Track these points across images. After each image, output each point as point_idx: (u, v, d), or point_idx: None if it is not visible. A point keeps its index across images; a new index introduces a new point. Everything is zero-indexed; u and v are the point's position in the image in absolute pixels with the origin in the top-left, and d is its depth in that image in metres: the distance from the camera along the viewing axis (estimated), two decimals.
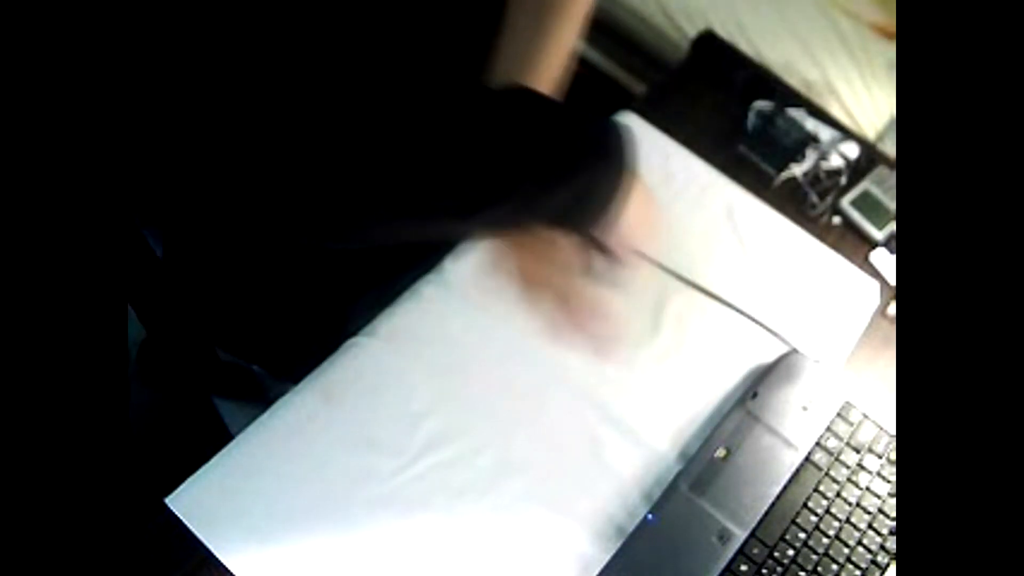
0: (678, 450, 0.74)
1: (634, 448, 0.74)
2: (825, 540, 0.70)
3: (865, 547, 0.70)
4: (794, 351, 0.80)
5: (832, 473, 0.73)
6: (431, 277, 0.80)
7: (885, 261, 0.91)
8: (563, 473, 0.71)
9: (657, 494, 0.71)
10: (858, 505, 0.72)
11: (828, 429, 0.75)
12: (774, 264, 0.88)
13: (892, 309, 0.88)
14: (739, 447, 0.72)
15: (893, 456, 0.75)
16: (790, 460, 0.73)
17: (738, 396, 0.78)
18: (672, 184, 0.92)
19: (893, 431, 0.76)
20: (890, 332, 0.87)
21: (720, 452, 0.72)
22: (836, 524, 0.71)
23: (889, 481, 0.74)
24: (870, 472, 0.74)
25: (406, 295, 0.79)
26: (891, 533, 0.71)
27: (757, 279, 0.86)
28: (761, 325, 0.83)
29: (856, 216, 0.93)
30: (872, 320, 0.87)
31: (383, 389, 0.73)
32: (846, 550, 0.70)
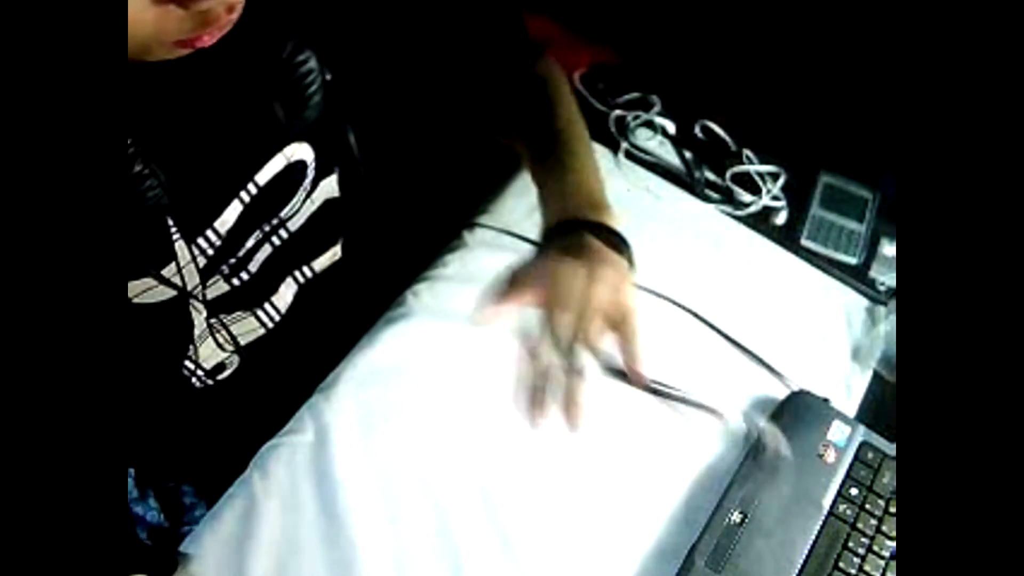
0: (686, 511, 0.67)
1: (637, 515, 0.67)
2: None
3: None
4: (801, 391, 0.74)
5: (860, 526, 0.66)
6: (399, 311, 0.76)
7: (886, 277, 0.86)
8: (562, 547, 0.64)
9: (669, 569, 0.64)
10: (893, 558, 0.65)
11: (848, 476, 0.68)
12: (767, 295, 0.82)
13: (893, 329, 0.82)
14: (755, 509, 0.65)
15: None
16: (812, 517, 0.66)
17: (742, 439, 0.71)
18: (659, 213, 0.87)
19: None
20: (895, 355, 0.81)
21: (735, 516, 0.65)
22: None
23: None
24: None
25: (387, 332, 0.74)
26: None
27: (751, 312, 0.80)
28: (761, 362, 0.77)
29: (822, 250, 0.87)
30: (876, 344, 0.81)
31: (375, 429, 0.69)
32: None
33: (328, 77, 0.61)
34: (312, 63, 0.59)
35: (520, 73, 0.72)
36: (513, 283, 0.57)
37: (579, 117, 0.70)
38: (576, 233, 0.59)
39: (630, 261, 0.60)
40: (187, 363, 0.68)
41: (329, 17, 0.61)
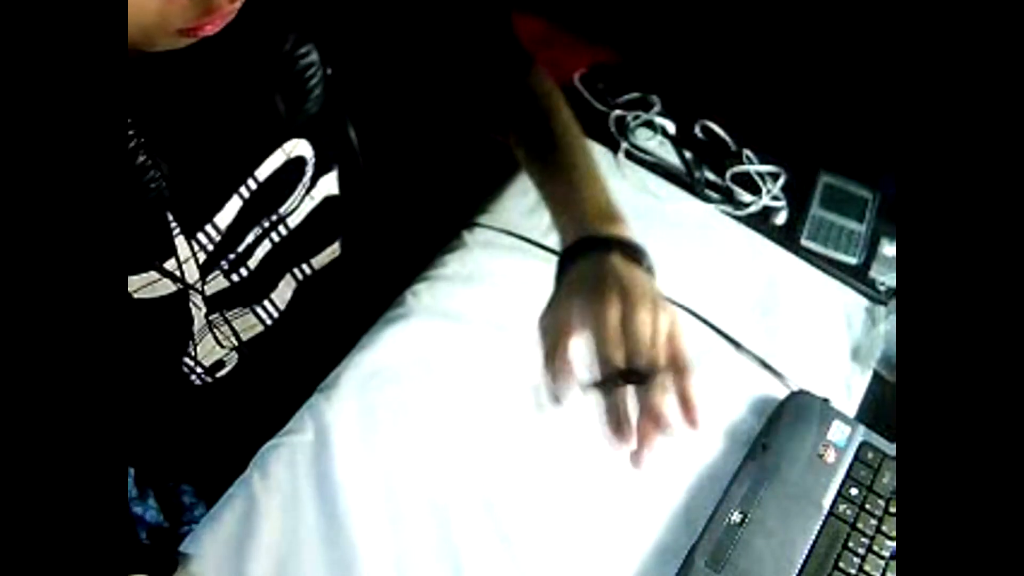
0: (686, 511, 0.67)
1: (638, 512, 0.67)
2: None
3: None
4: (801, 391, 0.74)
5: (860, 526, 0.66)
6: (399, 311, 0.76)
7: (886, 277, 0.86)
8: (562, 547, 0.64)
9: (669, 569, 0.64)
10: (893, 558, 0.65)
11: (848, 476, 0.68)
12: (767, 295, 0.82)
13: (893, 329, 0.82)
14: (755, 508, 0.65)
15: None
16: (812, 517, 0.66)
17: (741, 439, 0.71)
18: (660, 213, 0.87)
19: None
20: (895, 355, 0.81)
21: (735, 516, 0.65)
22: None
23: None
24: None
25: (387, 332, 0.74)
26: None
27: (751, 312, 0.80)
28: (761, 362, 0.77)
29: (822, 250, 0.87)
30: (876, 344, 0.81)
31: (375, 429, 0.69)
32: None
33: (328, 72, 0.61)
34: (313, 56, 0.59)
35: (512, 76, 0.72)
36: (552, 333, 0.55)
37: (575, 122, 0.69)
38: (593, 253, 0.56)
39: (650, 270, 0.58)
40: (186, 360, 0.68)
41: (331, 12, 0.61)
